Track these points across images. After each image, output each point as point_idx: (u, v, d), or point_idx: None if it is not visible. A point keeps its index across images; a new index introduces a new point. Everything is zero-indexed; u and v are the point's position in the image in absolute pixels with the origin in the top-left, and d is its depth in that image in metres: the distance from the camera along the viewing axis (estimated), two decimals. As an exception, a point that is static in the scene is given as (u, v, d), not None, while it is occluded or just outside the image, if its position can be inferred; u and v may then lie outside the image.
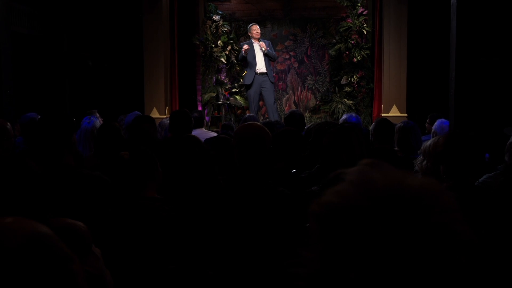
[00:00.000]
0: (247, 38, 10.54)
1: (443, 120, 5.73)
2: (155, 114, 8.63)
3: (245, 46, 8.70)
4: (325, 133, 3.67)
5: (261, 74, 8.68)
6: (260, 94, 8.78)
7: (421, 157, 3.46)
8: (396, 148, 4.91)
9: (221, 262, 2.50)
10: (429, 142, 3.44)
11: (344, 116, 5.98)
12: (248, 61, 8.83)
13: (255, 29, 8.88)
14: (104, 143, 4.42)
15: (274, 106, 8.70)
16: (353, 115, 5.97)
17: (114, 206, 2.63)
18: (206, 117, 9.71)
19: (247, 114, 5.48)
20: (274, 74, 9.42)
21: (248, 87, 8.82)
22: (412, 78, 8.62)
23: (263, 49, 8.60)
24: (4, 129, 3.81)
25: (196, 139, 3.44)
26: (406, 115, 8.34)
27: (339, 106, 9.82)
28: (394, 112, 8.37)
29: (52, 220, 1.90)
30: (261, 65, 8.68)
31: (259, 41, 8.77)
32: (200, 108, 10.15)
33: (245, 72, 8.81)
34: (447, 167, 2.53)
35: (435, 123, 5.76)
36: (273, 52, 8.93)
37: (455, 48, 4.42)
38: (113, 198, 2.79)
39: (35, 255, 0.89)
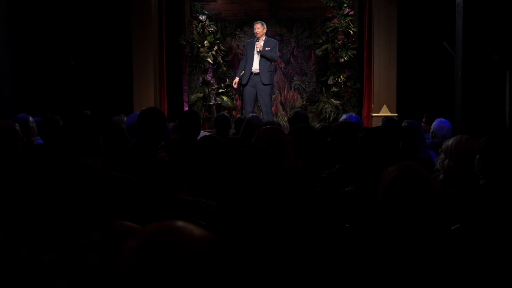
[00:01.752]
0: (233, 38, 10.51)
1: (442, 119, 5.77)
2: (144, 115, 8.50)
3: (235, 80, 8.93)
4: (346, 134, 3.66)
5: (256, 74, 8.63)
6: (256, 94, 8.73)
7: (443, 156, 3.48)
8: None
9: (259, 266, 2.46)
10: (450, 141, 3.46)
11: (344, 116, 5.97)
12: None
13: (255, 28, 8.78)
14: (110, 145, 4.33)
15: (268, 106, 8.64)
16: (353, 114, 5.97)
17: (149, 208, 2.56)
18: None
19: (250, 115, 5.41)
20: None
21: (245, 86, 8.77)
22: (402, 77, 8.68)
23: (258, 49, 8.53)
24: (13, 130, 3.70)
25: (219, 140, 3.38)
26: (396, 114, 8.40)
27: (326, 106, 9.85)
28: (384, 112, 8.42)
29: (112, 223, 1.83)
30: (255, 65, 8.61)
31: (257, 41, 8.69)
32: (186, 108, 10.06)
33: (243, 72, 8.75)
34: (488, 166, 2.53)
35: (434, 123, 5.81)
36: (272, 53, 8.72)
37: (461, 46, 4.45)
38: (142, 201, 2.72)
39: (218, 257, 0.85)
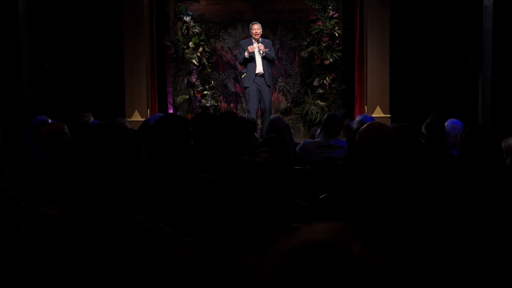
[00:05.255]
0: (218, 40, 10.40)
1: (455, 120, 5.88)
2: (137, 117, 8.30)
3: (250, 48, 8.34)
4: (407, 136, 3.68)
5: (260, 76, 8.39)
6: (260, 95, 8.45)
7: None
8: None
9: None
10: (510, 141, 3.54)
11: (359, 118, 5.98)
12: (248, 63, 8.48)
13: (254, 29, 8.41)
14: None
15: (269, 110, 8.43)
16: (369, 115, 6.00)
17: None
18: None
19: (272, 116, 5.36)
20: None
21: (248, 87, 8.47)
22: (395, 79, 8.81)
23: (261, 52, 8.29)
24: (63, 132, 3.55)
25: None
26: (389, 115, 8.52)
27: (312, 107, 9.90)
28: (378, 113, 8.51)
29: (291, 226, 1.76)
30: (260, 67, 8.34)
31: (258, 42, 8.41)
32: (171, 111, 9.89)
33: (244, 74, 8.47)
34: None
35: (447, 123, 5.89)
36: (273, 53, 8.62)
37: (492, 48, 4.55)
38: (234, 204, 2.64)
39: None
